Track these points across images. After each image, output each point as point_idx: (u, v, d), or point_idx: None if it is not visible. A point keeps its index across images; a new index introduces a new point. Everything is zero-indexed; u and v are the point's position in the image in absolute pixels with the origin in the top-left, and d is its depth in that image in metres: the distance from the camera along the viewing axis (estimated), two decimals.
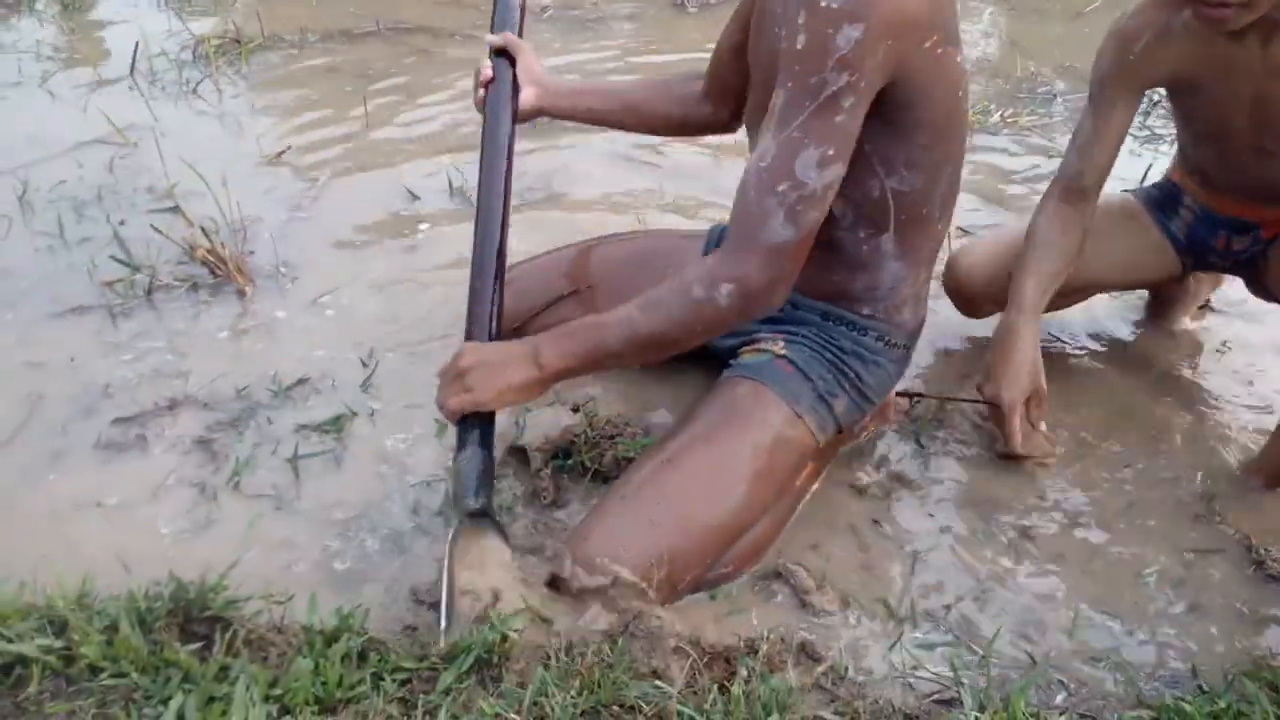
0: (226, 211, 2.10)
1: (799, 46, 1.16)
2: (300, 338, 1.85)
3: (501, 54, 1.65)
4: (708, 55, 1.66)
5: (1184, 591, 1.41)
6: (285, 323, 1.89)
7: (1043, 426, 1.64)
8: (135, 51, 3.02)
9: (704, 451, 1.35)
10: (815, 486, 1.54)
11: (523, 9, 1.74)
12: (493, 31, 1.68)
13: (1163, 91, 1.76)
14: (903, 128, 1.29)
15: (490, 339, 1.41)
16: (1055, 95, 3.14)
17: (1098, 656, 1.30)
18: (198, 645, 1.13)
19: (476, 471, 1.29)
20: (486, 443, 1.32)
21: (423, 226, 2.23)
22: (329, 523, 1.45)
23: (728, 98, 1.67)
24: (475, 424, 1.32)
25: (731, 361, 1.50)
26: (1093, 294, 1.89)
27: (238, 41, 3.18)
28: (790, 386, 1.43)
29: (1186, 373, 1.88)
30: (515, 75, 1.64)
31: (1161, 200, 1.82)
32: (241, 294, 1.96)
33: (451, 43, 3.36)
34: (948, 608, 1.36)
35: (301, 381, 1.72)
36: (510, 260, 1.56)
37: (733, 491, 1.34)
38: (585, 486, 1.52)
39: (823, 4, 1.14)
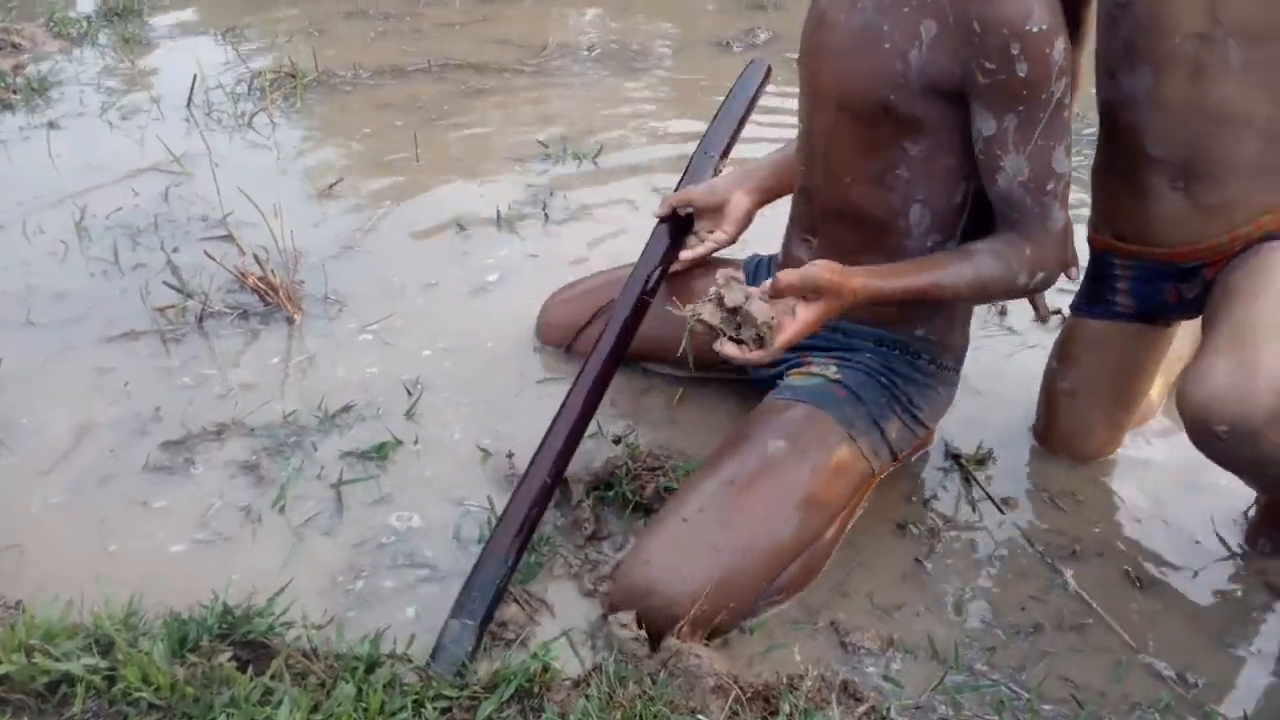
0: (278, 241, 2.14)
1: (1023, 74, 1.27)
2: (347, 366, 1.87)
3: (670, 218, 1.74)
4: None
5: (1243, 636, 1.38)
6: (332, 351, 1.91)
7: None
8: (193, 84, 3.10)
9: (764, 475, 1.36)
10: (858, 514, 1.53)
11: (730, 144, 1.86)
12: (679, 187, 1.78)
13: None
14: None
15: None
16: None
17: (1145, 703, 1.27)
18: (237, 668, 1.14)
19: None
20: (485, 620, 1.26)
21: (467, 257, 2.25)
22: (371, 548, 1.46)
23: None
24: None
25: (779, 383, 1.51)
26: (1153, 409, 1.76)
27: (292, 77, 3.25)
28: (845, 411, 1.43)
29: None
30: (674, 239, 1.72)
31: (1093, 290, 1.64)
32: (291, 322, 1.98)
33: (500, 79, 3.41)
34: (992, 650, 1.34)
35: (347, 409, 1.74)
36: None
37: (794, 516, 1.35)
38: (626, 519, 1.51)
39: (1034, 30, 1.25)
